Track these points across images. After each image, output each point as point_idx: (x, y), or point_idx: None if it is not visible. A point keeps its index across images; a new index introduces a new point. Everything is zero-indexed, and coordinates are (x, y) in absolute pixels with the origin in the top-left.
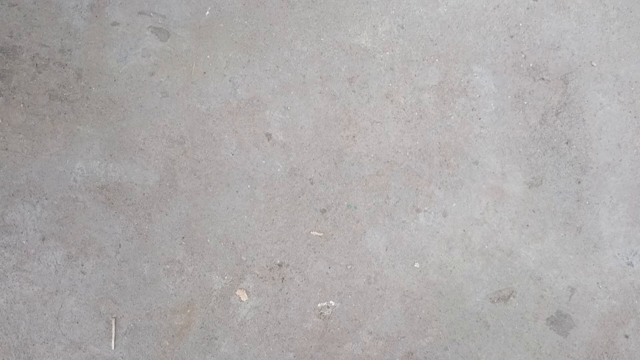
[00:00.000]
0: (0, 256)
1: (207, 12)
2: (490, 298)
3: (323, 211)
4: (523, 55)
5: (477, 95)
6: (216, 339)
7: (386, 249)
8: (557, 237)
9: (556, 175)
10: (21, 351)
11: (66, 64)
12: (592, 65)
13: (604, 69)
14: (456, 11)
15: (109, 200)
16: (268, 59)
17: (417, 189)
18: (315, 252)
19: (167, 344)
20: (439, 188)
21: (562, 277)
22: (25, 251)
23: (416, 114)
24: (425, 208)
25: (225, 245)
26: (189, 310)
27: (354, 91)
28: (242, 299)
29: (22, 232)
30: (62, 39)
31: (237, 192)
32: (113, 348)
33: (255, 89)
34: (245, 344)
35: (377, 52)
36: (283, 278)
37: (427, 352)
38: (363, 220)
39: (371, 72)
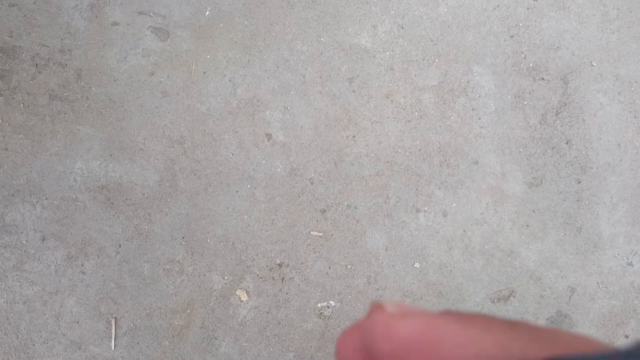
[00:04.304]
0: (0, 256)
1: (207, 12)
2: (490, 298)
3: (323, 211)
4: (523, 55)
5: (477, 95)
6: (216, 339)
7: (386, 249)
8: (557, 237)
9: (556, 175)
10: (21, 351)
11: (66, 64)
12: (592, 65)
13: (604, 69)
14: (456, 11)
15: (109, 200)
16: (268, 59)
17: (417, 189)
18: (315, 252)
19: (167, 344)
20: (439, 188)
21: (562, 277)
22: (25, 251)
23: (416, 114)
24: (425, 208)
25: (225, 245)
26: (189, 310)
27: (354, 91)
28: (242, 299)
29: (22, 232)
30: (62, 39)
31: (237, 192)
32: (113, 348)
33: (255, 89)
34: (245, 344)
35: (377, 52)
36: (283, 278)
37: None
38: (363, 220)
39: (371, 72)
